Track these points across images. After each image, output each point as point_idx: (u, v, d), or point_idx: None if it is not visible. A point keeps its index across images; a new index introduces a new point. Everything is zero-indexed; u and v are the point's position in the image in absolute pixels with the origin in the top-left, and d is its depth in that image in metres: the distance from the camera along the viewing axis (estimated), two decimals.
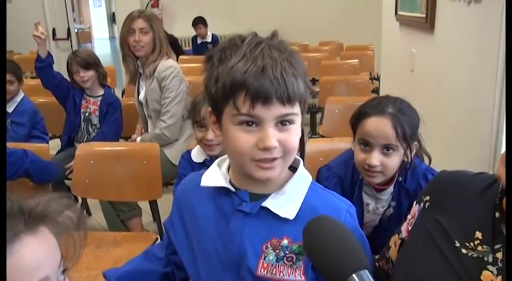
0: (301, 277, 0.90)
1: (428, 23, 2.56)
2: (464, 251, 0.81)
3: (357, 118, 1.43)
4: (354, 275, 0.67)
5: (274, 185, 0.91)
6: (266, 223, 0.90)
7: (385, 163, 1.37)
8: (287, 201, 0.90)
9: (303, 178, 0.94)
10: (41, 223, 0.65)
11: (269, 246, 0.90)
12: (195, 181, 0.98)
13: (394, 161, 1.38)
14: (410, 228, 0.95)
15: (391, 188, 1.48)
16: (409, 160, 1.41)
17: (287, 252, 0.90)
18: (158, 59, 2.58)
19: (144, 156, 2.19)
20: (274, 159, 0.83)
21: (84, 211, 2.42)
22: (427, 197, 0.93)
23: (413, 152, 1.41)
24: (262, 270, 0.90)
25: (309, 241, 0.74)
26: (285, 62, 0.81)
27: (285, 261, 0.90)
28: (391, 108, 1.36)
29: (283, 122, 0.83)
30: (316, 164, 1.67)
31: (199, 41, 6.45)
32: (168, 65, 2.58)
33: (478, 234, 0.81)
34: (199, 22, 6.34)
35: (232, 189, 0.92)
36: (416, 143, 1.42)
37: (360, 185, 1.50)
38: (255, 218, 0.91)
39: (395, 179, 1.47)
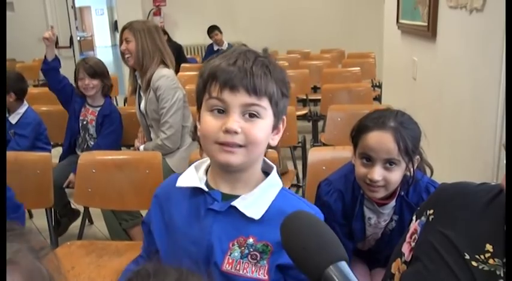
0: (264, 276, 0.94)
1: (430, 32, 2.56)
2: (474, 263, 0.79)
3: (358, 132, 1.41)
4: (331, 267, 0.66)
5: (246, 187, 0.98)
6: (234, 221, 0.96)
7: (387, 177, 1.35)
8: (255, 202, 0.95)
9: (274, 184, 1.00)
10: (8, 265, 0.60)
11: (235, 243, 0.96)
12: (174, 182, 1.04)
13: (396, 176, 1.36)
14: (413, 245, 0.92)
15: (393, 202, 1.45)
16: (411, 175, 1.39)
17: (251, 250, 0.95)
18: (149, 71, 2.58)
19: (146, 165, 2.18)
20: (236, 145, 0.90)
21: (86, 220, 2.41)
22: (431, 211, 0.91)
23: (415, 166, 1.39)
24: (227, 265, 0.95)
25: (285, 235, 0.74)
26: (259, 62, 0.91)
27: (249, 259, 0.95)
28: (392, 122, 1.34)
29: (250, 114, 0.90)
30: (319, 173, 1.67)
31: (215, 48, 6.45)
32: (160, 74, 2.58)
33: (489, 247, 0.80)
34: (215, 29, 6.38)
35: (206, 189, 0.98)
36: (418, 157, 1.40)
37: (361, 199, 1.48)
38: (224, 216, 0.96)
39: (397, 193, 1.45)
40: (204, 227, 0.97)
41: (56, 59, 2.82)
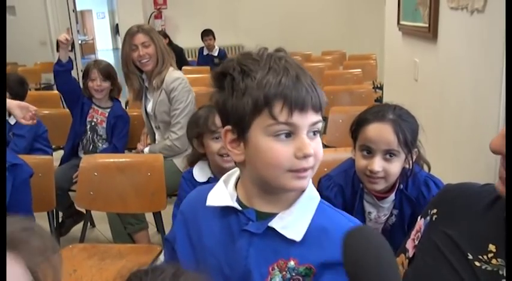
0: None
1: (431, 33, 2.56)
2: (477, 264, 0.80)
3: (358, 125, 1.44)
4: None
5: (282, 204, 0.89)
6: (273, 243, 0.88)
7: (387, 168, 1.38)
8: (294, 222, 0.87)
9: (312, 197, 0.92)
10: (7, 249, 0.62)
11: (276, 267, 0.88)
12: (202, 197, 0.96)
13: (396, 167, 1.39)
14: (417, 243, 0.93)
15: (392, 196, 1.48)
16: (410, 167, 1.42)
17: (294, 274, 0.87)
18: (163, 70, 2.60)
19: (148, 167, 2.19)
20: (309, 169, 0.83)
21: (89, 223, 2.42)
22: (434, 210, 0.92)
23: (414, 159, 1.42)
24: None
25: (350, 251, 0.71)
26: (306, 71, 0.84)
27: None
28: (391, 115, 1.39)
29: (314, 132, 0.84)
30: (321, 175, 1.66)
31: (205, 52, 6.45)
32: (175, 76, 2.60)
33: (492, 247, 0.80)
34: (210, 33, 6.36)
35: (239, 208, 0.90)
36: (416, 150, 1.43)
37: (361, 193, 1.50)
38: (261, 238, 0.88)
39: (397, 186, 1.47)
40: (239, 250, 0.89)
41: (70, 61, 2.86)
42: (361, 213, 1.51)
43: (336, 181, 1.54)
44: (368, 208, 1.52)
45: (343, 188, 1.52)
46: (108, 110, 2.91)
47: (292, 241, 0.86)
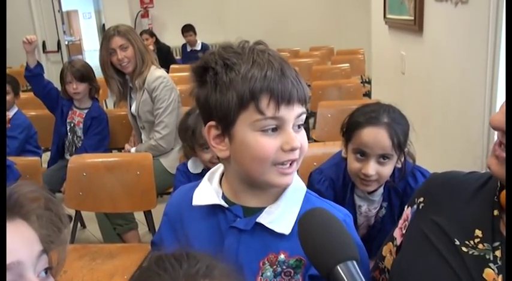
0: None
1: (416, 25, 2.58)
2: (464, 249, 0.81)
3: (351, 128, 1.42)
4: (340, 265, 0.66)
5: (269, 197, 0.89)
6: (262, 238, 0.88)
7: (380, 171, 1.38)
8: (282, 215, 0.87)
9: (298, 188, 0.91)
10: (17, 216, 0.64)
11: (266, 262, 0.88)
12: (186, 196, 0.95)
13: (388, 169, 1.40)
14: (404, 232, 0.94)
15: (381, 189, 1.49)
16: (402, 166, 1.43)
17: (284, 267, 0.88)
18: (145, 70, 2.57)
19: (137, 167, 2.17)
20: (293, 161, 0.83)
21: (79, 224, 2.40)
22: (421, 199, 0.93)
23: (404, 157, 1.43)
24: None
25: (301, 232, 0.74)
26: (291, 65, 0.84)
27: (283, 276, 0.88)
28: (385, 118, 1.36)
29: (299, 124, 0.84)
30: (310, 169, 1.67)
31: (188, 49, 6.44)
32: (156, 75, 2.57)
33: (478, 232, 0.81)
34: (190, 29, 6.34)
35: (225, 205, 0.89)
36: (406, 149, 1.44)
37: (352, 187, 1.51)
38: (250, 234, 0.88)
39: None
40: (228, 248, 0.88)
41: (39, 65, 2.81)
42: (352, 206, 1.52)
43: (327, 174, 1.55)
44: (358, 201, 1.52)
45: (334, 182, 1.53)
46: (86, 111, 2.88)
47: (281, 235, 0.86)
